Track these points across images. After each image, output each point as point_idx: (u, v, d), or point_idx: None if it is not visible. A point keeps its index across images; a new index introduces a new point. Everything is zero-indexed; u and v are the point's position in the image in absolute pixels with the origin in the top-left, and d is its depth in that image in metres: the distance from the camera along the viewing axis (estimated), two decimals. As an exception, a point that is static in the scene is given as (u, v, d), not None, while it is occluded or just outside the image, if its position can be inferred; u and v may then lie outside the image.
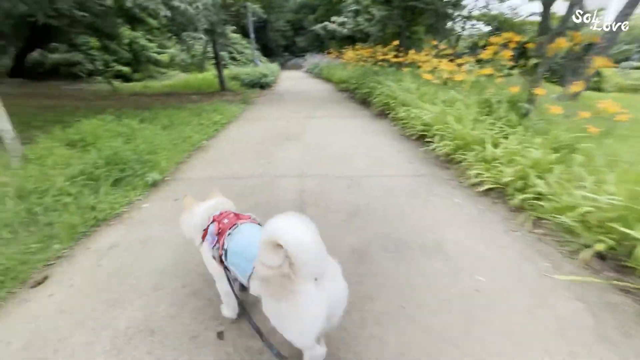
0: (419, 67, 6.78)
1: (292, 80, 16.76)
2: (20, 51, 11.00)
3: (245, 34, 23.80)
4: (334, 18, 17.95)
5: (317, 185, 3.00)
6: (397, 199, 2.71)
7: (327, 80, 14.79)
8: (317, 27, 19.03)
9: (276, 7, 32.34)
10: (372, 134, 4.88)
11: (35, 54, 11.94)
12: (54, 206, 2.36)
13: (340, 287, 1.09)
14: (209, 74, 14.95)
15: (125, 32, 13.81)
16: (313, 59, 22.08)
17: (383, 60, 8.76)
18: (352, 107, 7.47)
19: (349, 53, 11.62)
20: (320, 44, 37.48)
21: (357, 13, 9.72)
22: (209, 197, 1.52)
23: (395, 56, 7.58)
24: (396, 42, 8.19)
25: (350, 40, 27.85)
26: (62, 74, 12.32)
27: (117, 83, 13.41)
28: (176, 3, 5.39)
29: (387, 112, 5.97)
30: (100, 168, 2.89)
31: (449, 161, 3.48)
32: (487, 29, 14.63)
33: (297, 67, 30.77)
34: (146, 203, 2.74)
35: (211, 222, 1.36)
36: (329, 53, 16.76)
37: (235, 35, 23.66)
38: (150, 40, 15.71)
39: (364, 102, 7.67)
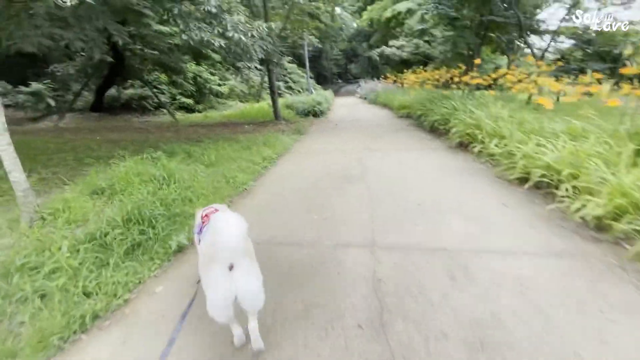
0: (507, 88, 5.56)
1: (347, 107, 16.23)
2: (99, 88, 12.10)
3: (300, 63, 24.41)
4: (391, 42, 17.28)
5: (398, 267, 2.02)
6: (547, 311, 1.59)
7: (385, 106, 13.91)
8: (374, 52, 18.48)
9: (331, 37, 33.17)
10: (456, 175, 3.79)
11: (113, 90, 13.10)
12: (40, 290, 1.74)
13: (249, 281, 1.32)
14: (265, 103, 15.11)
15: (191, 67, 14.71)
16: (367, 85, 21.53)
17: (454, 82, 7.66)
18: (420, 136, 6.42)
19: (410, 77, 10.69)
20: (373, 70, 37.26)
21: (423, 32, 8.92)
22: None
23: (472, 77, 6.44)
24: (461, 65, 7.10)
25: (404, 64, 27.05)
26: (134, 108, 13.31)
27: (180, 114, 14.16)
28: (230, 33, 5.07)
29: (469, 144, 4.82)
30: (117, 229, 2.27)
31: (600, 229, 2.26)
32: (566, 42, 12.68)
33: (350, 93, 30.59)
34: (162, 283, 2.02)
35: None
36: (385, 78, 15.98)
37: (291, 65, 24.33)
38: (212, 74, 16.57)
39: (434, 130, 6.57)
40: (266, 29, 6.17)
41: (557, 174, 2.78)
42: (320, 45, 27.20)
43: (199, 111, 15.53)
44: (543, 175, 2.89)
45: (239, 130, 8.65)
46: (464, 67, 8.16)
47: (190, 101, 14.60)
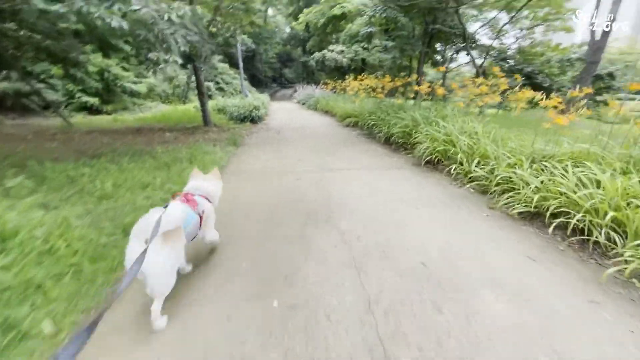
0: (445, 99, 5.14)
1: (285, 112, 15.18)
2: (-46, 79, 8.96)
3: (232, 63, 22.56)
4: (331, 47, 16.79)
5: None
6: None
7: (326, 112, 13.26)
8: (314, 56, 17.75)
9: (265, 39, 31.83)
10: (443, 206, 3.03)
11: (-23, 83, 9.89)
12: None
13: (148, 260, 1.33)
14: (191, 106, 13.19)
15: (96, 59, 12.04)
16: (305, 90, 20.83)
17: (399, 91, 7.22)
18: (377, 150, 5.70)
19: (354, 84, 10.14)
20: (308, 75, 36.94)
21: (369, 37, 8.46)
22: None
23: (430, 86, 5.97)
24: (403, 73, 6.68)
25: (338, 71, 27.13)
26: (10, 107, 10.23)
27: (80, 117, 11.42)
28: (135, 6, 3.63)
29: (439, 162, 4.20)
30: None
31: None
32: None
33: (286, 98, 29.71)
34: None
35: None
36: (325, 84, 15.39)
37: (222, 64, 22.39)
38: (125, 69, 13.95)
39: (389, 143, 5.93)
40: (190, 13, 4.79)
41: (594, 216, 2.15)
42: (253, 46, 25.74)
43: (108, 113, 12.85)
44: (560, 210, 2.25)
45: (157, 139, 6.94)
46: (413, 76, 7.78)
47: (94, 100, 11.92)
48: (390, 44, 10.79)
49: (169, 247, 1.51)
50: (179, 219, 1.64)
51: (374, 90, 9.90)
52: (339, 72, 26.87)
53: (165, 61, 4.36)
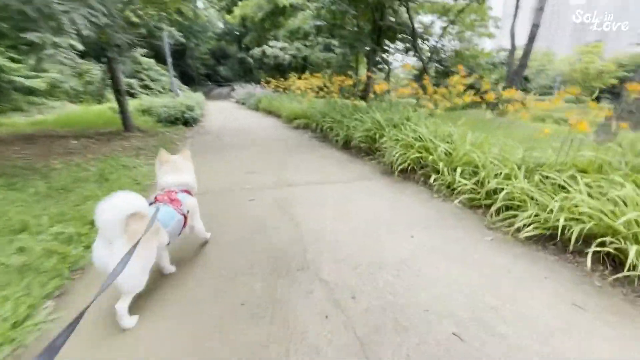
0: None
1: (224, 112, 13.86)
2: None
3: (160, 58, 20.09)
4: (272, 43, 15.79)
5: None
6: None
7: (269, 113, 12.35)
8: (254, 52, 16.51)
9: (196, 33, 29.33)
10: (440, 230, 2.49)
11: None
12: None
13: (114, 259, 1.23)
14: (108, 106, 11.17)
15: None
16: (244, 89, 19.51)
17: (347, 91, 6.77)
18: (337, 157, 5.07)
19: (300, 82, 9.45)
20: (246, 73, 35.17)
21: (319, 31, 7.83)
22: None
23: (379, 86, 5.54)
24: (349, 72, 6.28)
25: (277, 69, 26.20)
26: None
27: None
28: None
29: (412, 170, 3.73)
30: None
31: None
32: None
33: (223, 97, 27.88)
34: None
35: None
36: (267, 83, 14.43)
37: (147, 59, 19.85)
38: (14, 60, 11.22)
39: (348, 148, 5.38)
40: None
41: (632, 243, 1.76)
42: (183, 40, 23.42)
43: (-8, 115, 10.16)
44: (593, 237, 1.85)
45: (57, 149, 5.40)
46: (362, 76, 7.37)
47: (-32, 99, 9.25)
48: (333, 42, 10.31)
49: (134, 243, 1.31)
50: (126, 208, 1.41)
51: (321, 89, 9.36)
52: (279, 70, 25.95)
53: (56, 46, 3.14)
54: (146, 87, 19.10)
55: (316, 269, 1.97)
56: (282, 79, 14.22)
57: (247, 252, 2.17)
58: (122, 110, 7.15)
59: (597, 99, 3.73)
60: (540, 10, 9.21)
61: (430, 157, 3.41)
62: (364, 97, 7.85)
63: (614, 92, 23.75)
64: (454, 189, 3.12)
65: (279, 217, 2.74)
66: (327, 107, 6.87)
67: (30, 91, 12.06)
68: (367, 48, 7.38)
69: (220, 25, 37.99)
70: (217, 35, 34.26)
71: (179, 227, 1.78)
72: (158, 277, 1.87)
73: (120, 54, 5.79)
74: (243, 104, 17.37)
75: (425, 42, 8.52)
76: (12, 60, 11.05)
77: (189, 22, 28.27)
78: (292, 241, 2.31)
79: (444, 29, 9.49)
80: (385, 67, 12.91)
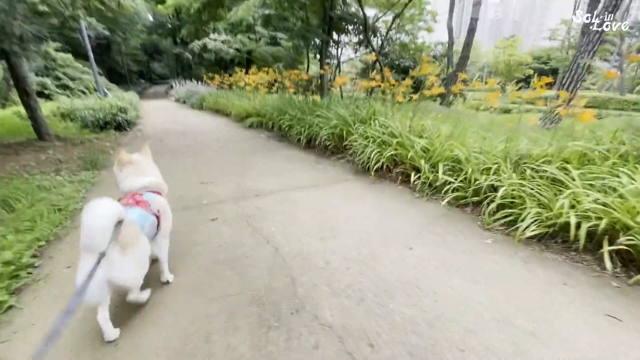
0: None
1: (165, 112, 12.53)
2: None
3: (79, 54, 17.52)
4: (213, 36, 14.58)
5: None
6: None
7: (216, 112, 11.42)
8: (194, 45, 15.06)
9: (123, 25, 26.37)
10: (436, 238, 2.24)
11: None
12: None
13: (115, 270, 1.28)
14: (12, 110, 9.33)
15: None
16: (184, 87, 17.94)
17: (302, 85, 6.41)
18: (301, 157, 4.66)
19: (250, 78, 8.78)
20: (184, 70, 32.67)
21: (268, 21, 7.20)
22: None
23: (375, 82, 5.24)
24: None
25: (219, 65, 24.67)
26: None
27: None
28: None
29: (389, 169, 3.49)
30: None
31: None
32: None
33: (161, 96, 25.52)
34: None
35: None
36: (211, 79, 13.36)
37: (63, 54, 17.25)
38: None
39: (311, 146, 5.01)
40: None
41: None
42: (107, 33, 20.81)
43: None
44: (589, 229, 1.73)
45: (-62, 170, 4.20)
46: (319, 70, 7.03)
47: None
48: (280, 35, 9.80)
49: (126, 248, 1.33)
50: (110, 215, 1.28)
51: (272, 85, 8.81)
52: (221, 65, 24.45)
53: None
54: (65, 87, 16.59)
55: (314, 309, 1.57)
56: (226, 75, 13.29)
57: (219, 298, 1.68)
58: (33, 116, 5.88)
59: (519, 88, 4.02)
60: (478, 4, 9.71)
61: (409, 154, 3.18)
62: (319, 93, 7.52)
63: (529, 81, 26.62)
64: (435, 188, 2.93)
65: (252, 241, 2.27)
66: (283, 104, 6.40)
67: None
68: (318, 40, 7.01)
69: (150, 18, 34.67)
70: (147, 28, 31.18)
71: (153, 229, 1.63)
72: None
73: (22, 47, 4.65)
74: (184, 102, 15.92)
75: (376, 35, 8.43)
76: None
77: (112, 13, 25.21)
78: (274, 273, 1.88)
79: (393, 20, 9.52)
80: (334, 61, 12.72)
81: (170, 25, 28.84)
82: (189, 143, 6.07)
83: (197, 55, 22.94)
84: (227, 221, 2.59)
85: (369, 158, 3.51)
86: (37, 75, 16.07)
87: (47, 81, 15.84)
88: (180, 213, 2.77)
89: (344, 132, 4.22)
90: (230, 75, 12.75)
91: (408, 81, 4.60)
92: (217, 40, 13.93)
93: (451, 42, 14.79)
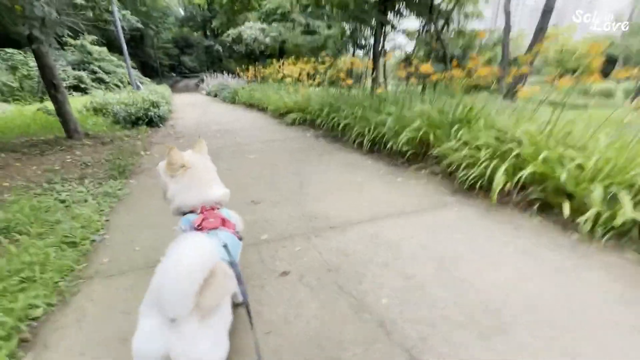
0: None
1: (197, 107, 11.97)
2: None
3: (113, 47, 17.43)
4: (249, 24, 13.82)
5: None
6: None
7: (250, 106, 10.70)
8: (230, 33, 14.33)
9: (156, 19, 26.41)
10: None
11: None
12: None
13: (187, 344, 0.84)
14: (38, 106, 9.01)
15: None
16: (214, 80, 17.42)
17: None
18: (370, 166, 3.68)
19: (291, 68, 7.91)
20: (213, 63, 32.49)
21: (306, 9, 6.30)
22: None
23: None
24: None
25: (248, 57, 24.02)
26: None
27: None
28: None
29: (513, 192, 2.47)
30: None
31: None
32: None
33: (191, 89, 25.39)
34: None
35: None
36: (246, 70, 12.66)
37: (98, 47, 17.23)
38: None
39: (374, 150, 4.06)
40: None
41: None
42: (140, 26, 20.73)
43: None
44: None
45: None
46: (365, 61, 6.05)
47: None
48: (318, 23, 8.84)
49: (207, 319, 0.89)
50: (202, 268, 0.86)
51: (310, 76, 7.91)
52: (250, 58, 23.85)
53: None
54: (100, 80, 16.56)
55: None
56: (260, 67, 12.54)
57: None
58: (61, 111, 5.33)
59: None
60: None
61: (561, 175, 2.13)
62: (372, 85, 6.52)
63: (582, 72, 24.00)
64: (612, 228, 1.89)
65: (359, 331, 1.36)
66: (334, 98, 5.47)
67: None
68: (373, 22, 5.99)
69: (181, 11, 34.76)
70: (178, 21, 31.22)
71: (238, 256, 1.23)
72: None
73: (43, 31, 3.98)
74: (215, 96, 15.40)
75: (439, 18, 7.25)
76: None
77: (146, 6, 25.27)
78: None
79: (455, 3, 8.27)
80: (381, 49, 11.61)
81: (200, 18, 28.60)
82: (227, 143, 5.30)
83: (227, 47, 22.44)
84: (306, 279, 1.71)
85: (481, 175, 2.51)
86: (73, 68, 16.13)
87: (84, 75, 15.84)
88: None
89: (431, 137, 3.22)
90: (264, 67, 11.98)
91: (485, 70, 3.52)
92: (252, 29, 13.12)
93: (508, 28, 13.17)
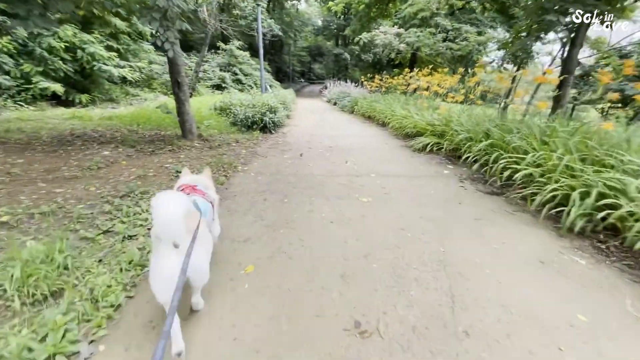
0: None
1: (313, 114, 11.54)
2: None
3: (255, 51, 19.15)
4: (383, 29, 12.80)
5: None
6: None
7: (368, 118, 9.55)
8: (363, 36, 13.62)
9: (296, 28, 28.32)
10: None
11: None
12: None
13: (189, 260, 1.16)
14: (199, 99, 9.82)
15: (65, 31, 8.94)
16: (336, 88, 17.04)
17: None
18: (588, 273, 1.93)
19: (428, 79, 6.32)
20: (339, 71, 33.10)
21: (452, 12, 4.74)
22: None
23: None
24: None
25: (374, 67, 22.95)
26: None
27: (32, 109, 8.32)
28: None
29: None
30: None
31: None
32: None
33: (314, 95, 26.11)
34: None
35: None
36: (371, 79, 11.61)
37: (242, 52, 19.08)
38: (110, 48, 10.80)
39: (597, 231, 2.15)
40: None
41: None
42: (281, 34, 22.30)
43: (84, 105, 9.77)
44: None
45: (72, 163, 3.63)
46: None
47: (56, 87, 8.74)
48: (466, 28, 6.93)
49: (197, 239, 1.31)
50: (182, 205, 1.27)
51: (453, 90, 6.11)
52: (376, 67, 22.89)
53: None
54: (238, 81, 18.30)
55: None
56: (387, 76, 11.26)
57: None
58: (180, 110, 5.18)
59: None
60: None
61: None
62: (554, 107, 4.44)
63: None
64: None
65: None
66: (492, 125, 3.66)
67: (125, 81, 11.73)
68: (581, 13, 3.88)
69: (319, 22, 36.77)
70: (315, 30, 33.01)
71: (211, 217, 1.72)
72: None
73: (164, 25, 3.58)
74: (335, 104, 14.93)
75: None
76: (109, 48, 10.67)
77: (289, 16, 27.42)
78: None
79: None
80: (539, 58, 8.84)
81: (335, 27, 29.35)
82: (336, 170, 4.13)
83: (355, 55, 22.04)
84: None
85: None
86: (220, 70, 18.29)
87: (226, 75, 17.73)
88: None
89: None
90: (393, 77, 10.64)
91: None
92: (387, 34, 11.96)
93: None
